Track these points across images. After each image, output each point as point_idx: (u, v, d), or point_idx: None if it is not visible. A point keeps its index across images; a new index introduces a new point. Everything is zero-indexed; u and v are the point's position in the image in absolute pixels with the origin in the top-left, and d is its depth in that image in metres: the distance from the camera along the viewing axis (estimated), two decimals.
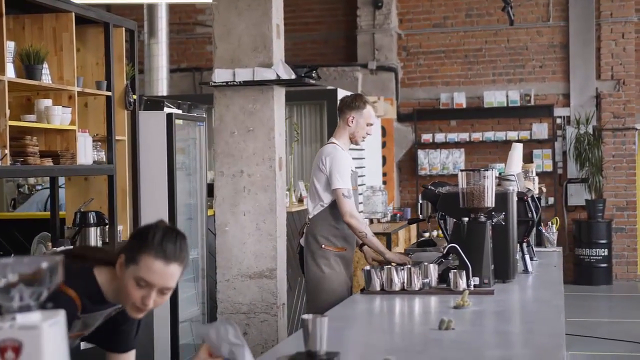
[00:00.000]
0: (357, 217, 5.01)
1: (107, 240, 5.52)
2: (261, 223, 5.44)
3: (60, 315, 1.77)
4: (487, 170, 4.32)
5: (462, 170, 4.35)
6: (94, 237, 5.32)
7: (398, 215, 10.43)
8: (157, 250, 2.51)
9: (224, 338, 2.37)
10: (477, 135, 12.52)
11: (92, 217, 5.32)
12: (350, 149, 5.26)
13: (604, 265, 11.99)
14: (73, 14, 5.09)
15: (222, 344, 2.38)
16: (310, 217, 5.21)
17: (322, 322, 2.69)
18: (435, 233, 10.13)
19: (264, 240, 5.45)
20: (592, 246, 11.96)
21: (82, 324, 2.67)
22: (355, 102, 5.19)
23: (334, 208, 5.07)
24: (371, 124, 5.22)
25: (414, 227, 10.68)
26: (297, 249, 5.47)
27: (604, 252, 11.96)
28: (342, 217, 4.99)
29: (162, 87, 10.65)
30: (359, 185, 9.01)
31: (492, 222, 4.34)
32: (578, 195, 12.31)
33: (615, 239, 12.23)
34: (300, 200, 8.53)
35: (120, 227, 5.71)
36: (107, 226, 5.48)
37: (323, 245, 5.08)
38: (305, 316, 2.70)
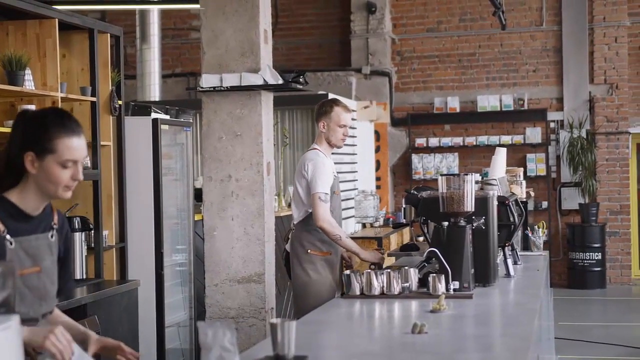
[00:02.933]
0: (330, 221, 5.06)
1: (92, 245, 5.53)
2: (249, 228, 5.44)
3: (14, 321, 1.78)
4: (467, 174, 4.33)
5: (442, 175, 4.37)
6: (79, 242, 5.33)
7: (391, 219, 10.44)
8: (66, 132, 2.64)
9: (219, 341, 2.38)
10: (470, 140, 12.53)
11: (76, 222, 5.34)
12: (341, 153, 5.32)
13: (598, 269, 11.99)
14: (56, 20, 5.11)
15: (214, 346, 2.38)
16: (295, 222, 5.26)
17: (290, 326, 2.70)
18: None
19: (252, 245, 5.45)
20: (586, 250, 11.96)
21: (26, 254, 2.66)
22: (323, 107, 5.29)
23: None
24: (344, 125, 5.25)
25: (407, 231, 10.69)
26: (282, 254, 5.51)
27: (597, 256, 11.97)
28: (315, 222, 5.04)
29: (154, 93, 10.67)
30: (345, 190, 9.03)
31: (472, 226, 4.35)
32: (572, 199, 12.32)
33: (609, 243, 12.23)
34: (290, 205, 8.55)
35: (105, 232, 5.73)
36: (92, 231, 5.50)
37: (309, 250, 5.15)
38: (273, 320, 2.72)
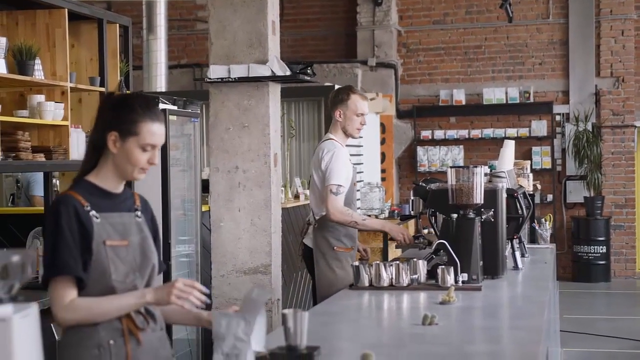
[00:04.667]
0: (342, 212, 4.95)
1: None
2: (256, 219, 5.44)
3: (33, 308, 1.79)
4: (476, 167, 4.33)
5: (451, 167, 4.37)
6: None
7: (396, 211, 10.43)
8: (150, 116, 2.77)
9: (233, 331, 2.38)
10: (476, 132, 12.53)
11: None
12: (347, 145, 5.24)
13: (603, 262, 12.00)
14: (66, 10, 5.12)
15: (228, 336, 2.39)
16: (317, 217, 5.14)
17: (302, 317, 2.70)
18: None
19: (258, 236, 5.44)
20: (591, 243, 11.97)
21: (113, 229, 2.75)
22: (339, 95, 5.15)
23: None
24: (361, 114, 5.12)
25: (412, 223, 10.69)
26: (299, 249, 5.43)
27: (602, 249, 11.97)
28: (327, 216, 4.96)
29: (160, 83, 10.64)
30: (358, 181, 9.04)
31: (481, 218, 4.35)
32: (577, 193, 12.31)
33: (613, 236, 12.24)
34: (297, 197, 8.56)
35: None
36: None
37: (335, 247, 5.06)
38: (285, 311, 2.72)
